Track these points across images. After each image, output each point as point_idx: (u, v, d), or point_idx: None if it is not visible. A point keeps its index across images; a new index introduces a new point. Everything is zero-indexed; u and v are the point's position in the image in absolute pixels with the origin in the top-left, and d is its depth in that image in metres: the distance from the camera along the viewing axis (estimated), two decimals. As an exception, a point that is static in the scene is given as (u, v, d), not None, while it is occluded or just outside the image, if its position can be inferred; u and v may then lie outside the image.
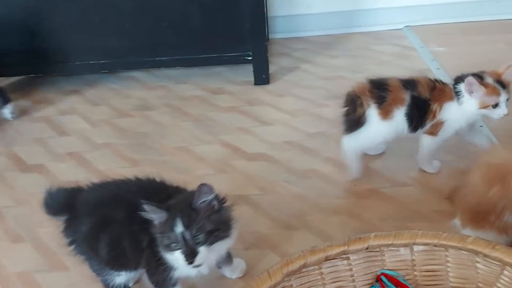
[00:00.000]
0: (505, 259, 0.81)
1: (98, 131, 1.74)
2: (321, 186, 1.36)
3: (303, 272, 0.89)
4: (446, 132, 1.29)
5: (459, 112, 1.25)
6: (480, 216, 1.00)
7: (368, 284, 0.92)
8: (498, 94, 1.19)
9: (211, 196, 0.88)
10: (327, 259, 0.89)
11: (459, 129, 1.30)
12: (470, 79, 1.19)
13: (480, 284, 0.87)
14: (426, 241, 0.88)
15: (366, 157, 1.44)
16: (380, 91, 1.28)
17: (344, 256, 0.91)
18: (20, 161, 1.60)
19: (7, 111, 1.83)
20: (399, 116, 1.27)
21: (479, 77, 1.22)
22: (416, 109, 1.27)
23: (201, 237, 0.85)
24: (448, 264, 0.89)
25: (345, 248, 0.89)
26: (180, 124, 1.73)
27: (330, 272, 0.91)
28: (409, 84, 1.28)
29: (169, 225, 0.85)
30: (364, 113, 1.28)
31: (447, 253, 0.89)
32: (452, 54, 2.02)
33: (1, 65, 1.95)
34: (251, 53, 1.84)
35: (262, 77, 1.90)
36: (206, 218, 0.86)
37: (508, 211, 0.94)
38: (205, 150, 1.56)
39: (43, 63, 1.97)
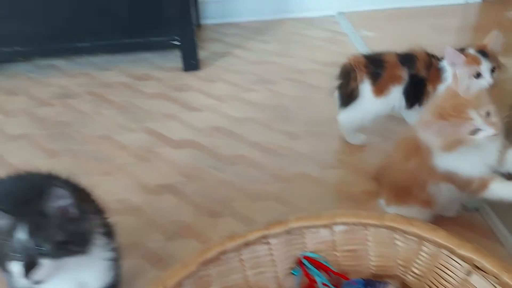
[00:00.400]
0: (422, 234, 0.81)
1: (14, 122, 1.59)
2: (248, 171, 1.31)
3: (222, 259, 0.85)
4: None
5: None
6: (403, 192, 1.00)
7: (290, 267, 0.89)
8: (479, 63, 1.13)
9: (67, 202, 0.73)
10: (246, 244, 0.85)
11: None
12: (448, 48, 1.15)
13: (399, 261, 0.87)
14: (346, 220, 0.87)
15: (295, 142, 1.42)
16: (376, 67, 1.25)
17: (264, 240, 0.87)
18: None
19: None
20: (395, 93, 1.25)
21: (461, 49, 1.18)
22: (413, 88, 1.23)
23: (46, 247, 0.70)
24: (368, 243, 0.88)
25: (265, 232, 0.86)
26: (102, 112, 1.62)
27: (250, 258, 0.87)
28: (407, 60, 1.24)
29: (10, 230, 0.71)
30: (357, 87, 1.25)
31: (367, 232, 0.88)
32: (381, 39, 2.04)
33: None
34: (178, 38, 1.76)
35: (191, 63, 1.82)
36: (57, 227, 0.72)
37: (428, 181, 0.94)
38: (128, 138, 1.47)
39: None
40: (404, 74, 1.24)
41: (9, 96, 1.76)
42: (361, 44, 2.02)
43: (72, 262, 0.73)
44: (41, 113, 1.64)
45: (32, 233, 0.70)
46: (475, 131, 0.83)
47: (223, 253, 0.83)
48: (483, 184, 0.85)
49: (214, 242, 0.83)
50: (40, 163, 1.38)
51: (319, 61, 1.89)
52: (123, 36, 1.78)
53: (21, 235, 0.70)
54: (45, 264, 0.70)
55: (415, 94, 1.25)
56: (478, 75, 1.14)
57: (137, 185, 1.28)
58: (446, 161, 0.88)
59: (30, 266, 0.69)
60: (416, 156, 0.92)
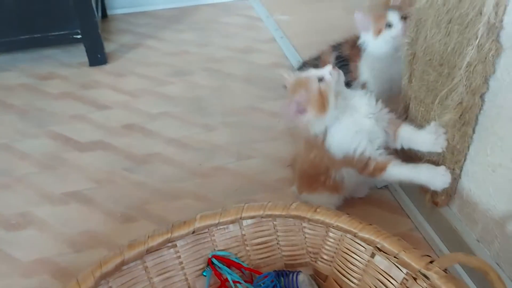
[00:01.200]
0: (326, 220, 0.81)
1: None
2: (164, 170, 1.26)
3: (124, 270, 0.79)
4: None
5: (368, 60, 1.18)
6: (312, 180, 1.00)
7: (200, 269, 0.85)
8: (385, 15, 1.11)
9: None
10: (149, 251, 0.80)
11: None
12: (357, 13, 1.12)
13: (309, 248, 0.86)
14: (253, 213, 0.84)
15: (211, 135, 1.38)
16: (316, 60, 1.24)
17: (169, 244, 0.83)
18: None
19: None
20: None
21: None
22: (340, 68, 1.22)
23: None
24: (278, 234, 0.87)
25: (169, 235, 0.81)
26: (2, 118, 1.49)
27: (155, 264, 0.83)
28: (337, 45, 1.24)
29: None
30: None
31: (275, 223, 0.86)
32: (294, 22, 2.03)
33: None
34: (79, 31, 1.64)
35: (97, 57, 1.71)
36: None
37: (332, 169, 0.94)
38: (30, 145, 1.36)
39: None
40: (332, 57, 1.24)
41: None
42: (275, 28, 2.00)
43: None
44: None
45: None
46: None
47: (124, 263, 0.78)
48: (381, 167, 0.86)
49: (112, 253, 0.78)
50: None
51: (235, 49, 1.85)
52: (18, 32, 1.63)
53: None
54: None
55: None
56: (389, 26, 1.11)
57: (41, 196, 1.19)
58: (333, 142, 0.89)
59: None
60: (315, 146, 0.92)
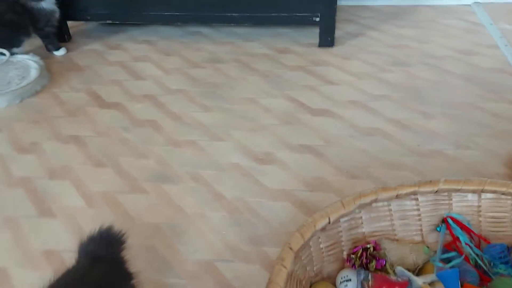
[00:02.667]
0: None
1: (171, 78, 1.84)
2: (384, 143, 1.41)
3: (373, 206, 0.96)
4: None
5: None
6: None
7: (433, 224, 0.98)
8: None
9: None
10: (397, 197, 0.96)
11: None
12: None
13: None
14: (495, 188, 0.93)
15: (430, 122, 1.48)
16: None
17: (413, 196, 0.97)
18: (99, 99, 1.73)
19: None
20: None
21: None
22: None
23: None
24: (513, 213, 0.94)
25: (416, 188, 0.95)
26: (248, 77, 1.81)
27: (398, 210, 0.97)
28: None
29: None
30: None
31: (513, 202, 0.93)
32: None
33: (85, 10, 2.08)
34: (319, 15, 1.88)
35: (327, 40, 1.94)
36: None
37: None
38: (271, 103, 1.64)
39: (122, 11, 2.08)
40: None
41: (165, 56, 2.02)
42: (499, 36, 1.98)
43: None
44: (193, 73, 1.87)
45: None
46: None
47: (375, 201, 0.95)
48: None
49: (369, 190, 0.95)
50: (195, 115, 1.60)
51: (455, 49, 1.91)
52: (270, 9, 1.94)
53: None
54: None
55: None
56: None
57: (281, 142, 1.44)
58: None
59: None
60: None
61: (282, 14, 1.92)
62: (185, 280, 1.04)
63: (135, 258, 1.09)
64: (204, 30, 2.21)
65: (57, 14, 1.99)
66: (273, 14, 1.93)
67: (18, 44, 1.95)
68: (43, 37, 2.02)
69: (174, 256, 1.09)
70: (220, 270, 1.05)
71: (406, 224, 0.98)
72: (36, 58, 1.91)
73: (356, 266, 0.92)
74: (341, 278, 0.91)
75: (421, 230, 0.98)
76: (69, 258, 0.91)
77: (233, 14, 1.97)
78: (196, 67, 1.91)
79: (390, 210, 0.97)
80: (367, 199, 0.94)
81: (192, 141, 1.47)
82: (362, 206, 0.94)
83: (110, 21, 2.19)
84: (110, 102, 1.70)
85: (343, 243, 0.96)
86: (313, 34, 2.02)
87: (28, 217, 1.21)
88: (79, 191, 1.30)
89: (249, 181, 1.30)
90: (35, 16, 1.93)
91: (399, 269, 0.88)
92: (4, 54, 1.89)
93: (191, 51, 2.05)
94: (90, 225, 1.17)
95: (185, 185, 1.30)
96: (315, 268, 0.93)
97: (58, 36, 2.10)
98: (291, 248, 0.82)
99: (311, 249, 0.91)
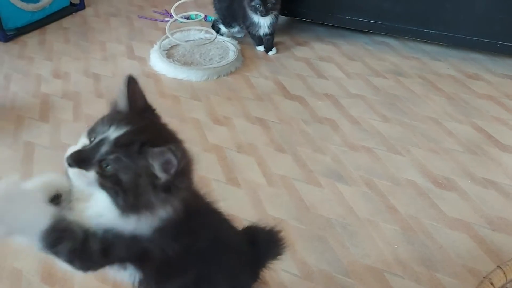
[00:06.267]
0: None
1: (352, 82, 1.89)
2: None
3: None
4: None
5: None
6: None
7: None
8: None
9: (168, 159, 0.61)
10: None
11: None
12: None
13: None
14: None
15: None
16: None
17: None
18: (284, 89, 1.85)
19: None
20: None
21: None
22: None
23: (109, 164, 0.62)
24: None
25: None
26: (432, 96, 1.77)
27: None
28: None
29: (106, 123, 0.65)
30: None
31: None
32: None
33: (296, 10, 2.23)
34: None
35: (530, 75, 1.80)
36: (132, 167, 0.62)
37: None
38: (456, 127, 1.59)
39: (316, 11, 2.18)
40: None
41: (349, 60, 2.07)
42: None
43: (102, 199, 0.64)
44: (375, 82, 1.89)
45: (115, 143, 0.62)
46: None
47: None
48: None
49: None
50: (374, 123, 1.62)
51: None
52: (472, 32, 1.85)
53: (108, 133, 0.63)
54: (85, 173, 0.62)
55: None
56: None
57: (463, 170, 1.39)
58: None
59: (80, 160, 0.62)
60: None
61: (484, 40, 1.83)
62: (354, 281, 1.08)
63: (307, 246, 1.16)
64: (391, 41, 2.20)
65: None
66: (473, 38, 1.85)
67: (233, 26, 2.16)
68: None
69: (344, 254, 1.14)
70: (390, 282, 1.07)
71: None
72: (235, 42, 2.11)
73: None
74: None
75: None
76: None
77: (430, 31, 1.94)
78: (378, 76, 1.93)
79: None
80: None
81: (369, 147, 1.50)
82: None
83: (303, 19, 2.30)
84: (294, 95, 1.81)
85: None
86: (509, 65, 1.89)
87: (218, 181, 1.37)
88: (261, 169, 1.42)
89: (426, 202, 1.29)
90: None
91: None
92: (212, 34, 2.12)
93: (375, 59, 2.06)
94: (269, 202, 1.28)
95: (358, 188, 1.34)
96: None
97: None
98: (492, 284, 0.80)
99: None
